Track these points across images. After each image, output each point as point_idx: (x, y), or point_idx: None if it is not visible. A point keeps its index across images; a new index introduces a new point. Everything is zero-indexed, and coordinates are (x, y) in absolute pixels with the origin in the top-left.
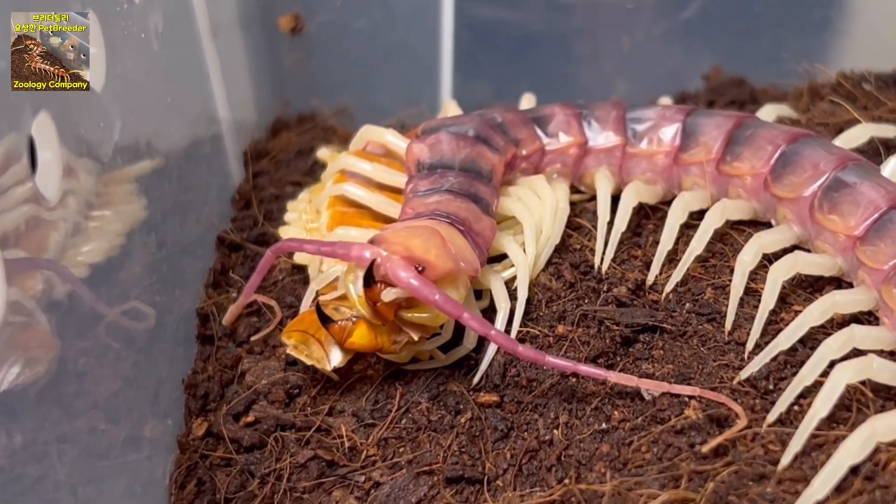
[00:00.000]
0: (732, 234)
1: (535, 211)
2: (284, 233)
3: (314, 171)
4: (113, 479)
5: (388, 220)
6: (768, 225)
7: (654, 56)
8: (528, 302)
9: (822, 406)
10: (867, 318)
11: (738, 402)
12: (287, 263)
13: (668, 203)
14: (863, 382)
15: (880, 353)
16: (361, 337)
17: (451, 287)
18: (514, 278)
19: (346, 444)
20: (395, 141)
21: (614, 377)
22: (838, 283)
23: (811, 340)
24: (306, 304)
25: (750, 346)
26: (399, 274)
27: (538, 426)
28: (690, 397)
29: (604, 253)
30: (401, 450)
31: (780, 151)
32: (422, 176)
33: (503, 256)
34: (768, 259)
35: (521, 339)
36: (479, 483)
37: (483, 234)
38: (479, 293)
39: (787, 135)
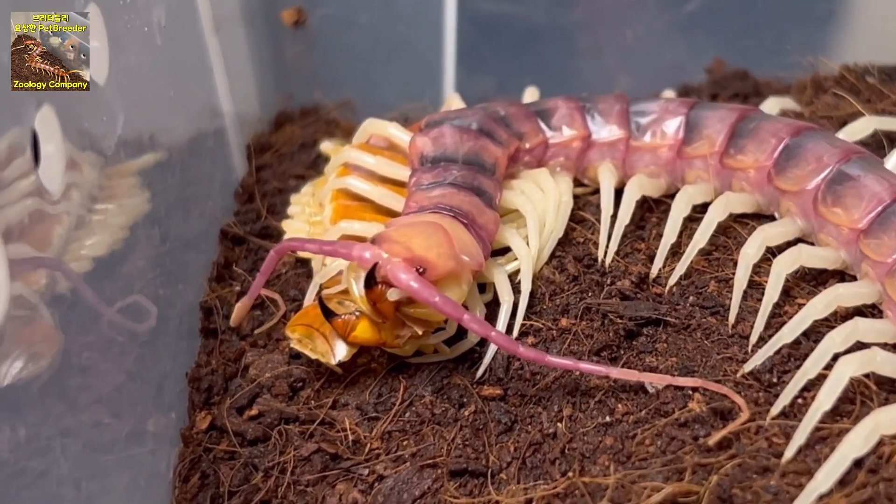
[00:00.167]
0: (736, 228)
1: (539, 204)
2: (288, 226)
3: (317, 165)
4: (117, 473)
5: (391, 213)
6: (772, 218)
7: (657, 49)
8: (532, 295)
9: (825, 399)
10: (871, 311)
11: (742, 396)
12: (291, 257)
13: (672, 196)
14: (866, 375)
15: (884, 345)
16: (365, 331)
17: (454, 283)
18: (517, 272)
19: (350, 438)
20: (399, 134)
21: (616, 373)
22: (842, 276)
23: (815, 333)
24: (310, 298)
25: (753, 339)
26: (399, 276)
27: (542, 419)
28: (694, 390)
29: (607, 246)
30: (404, 443)
31: (784, 144)
32: (425, 169)
33: (507, 250)
34: (772, 252)
35: (524, 333)
36: (483, 476)
37: (487, 227)
38: (483, 286)
39: (791, 128)
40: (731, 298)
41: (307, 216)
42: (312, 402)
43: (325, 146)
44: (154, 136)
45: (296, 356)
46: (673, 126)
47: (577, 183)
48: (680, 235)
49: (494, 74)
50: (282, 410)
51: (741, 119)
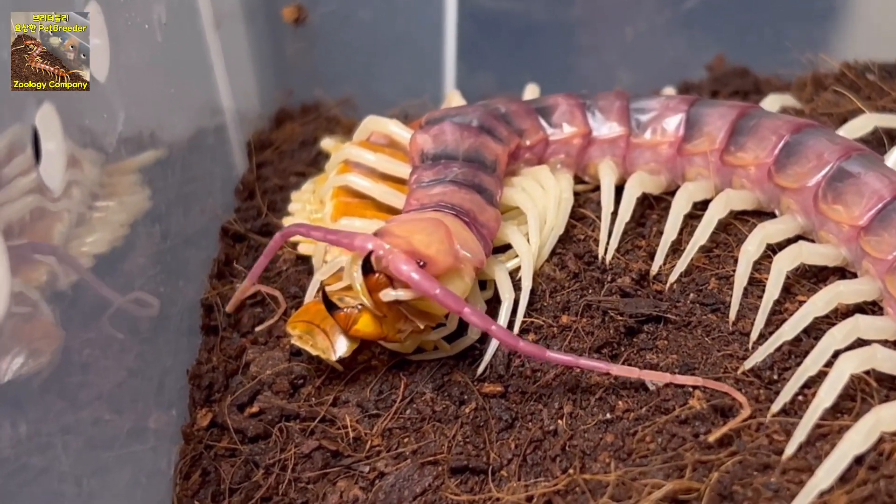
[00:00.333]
0: (736, 225)
1: (539, 201)
2: (288, 223)
3: (318, 162)
4: (117, 470)
5: (392, 210)
6: (772, 215)
7: (658, 46)
8: (533, 292)
9: (826, 396)
10: (871, 308)
11: (743, 393)
12: (291, 254)
13: (672, 193)
14: (867, 372)
15: (884, 342)
16: (366, 325)
17: (456, 279)
18: (518, 269)
19: (351, 435)
20: (399, 131)
21: (616, 370)
22: (842, 273)
23: (815, 330)
24: (311, 295)
25: (754, 336)
26: (400, 267)
27: (542, 416)
28: (694, 388)
29: (608, 243)
30: (405, 440)
31: (784, 141)
32: (426, 166)
33: (507, 247)
34: (772, 249)
35: (525, 330)
36: (484, 473)
37: (488, 225)
38: (484, 283)
39: (791, 125)
40: (731, 295)
41: (308, 213)
42: (313, 399)
43: (326, 143)
44: (155, 133)
45: (297, 353)
46: (673, 123)
47: (578, 180)
48: (680, 232)
49: (495, 71)
50: (283, 407)
51: (742, 116)
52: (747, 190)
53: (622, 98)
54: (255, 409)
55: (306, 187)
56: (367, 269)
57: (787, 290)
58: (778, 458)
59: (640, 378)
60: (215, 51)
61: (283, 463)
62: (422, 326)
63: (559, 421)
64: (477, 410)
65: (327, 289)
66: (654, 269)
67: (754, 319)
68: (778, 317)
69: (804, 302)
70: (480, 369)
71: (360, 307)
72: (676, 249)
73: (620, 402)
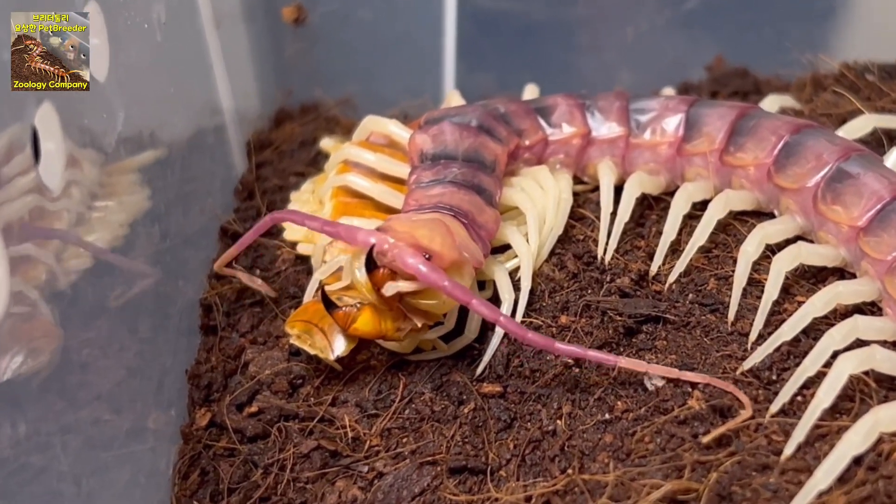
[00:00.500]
0: (735, 225)
1: (539, 201)
2: (288, 222)
3: (317, 162)
4: (116, 470)
5: (391, 210)
6: (771, 215)
7: (658, 46)
8: (532, 292)
9: (825, 396)
10: (870, 308)
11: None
12: (290, 254)
13: (671, 194)
14: (866, 373)
15: (883, 343)
16: (365, 323)
17: (457, 274)
18: (517, 269)
19: (350, 435)
20: (399, 131)
21: (624, 362)
22: (841, 273)
23: (814, 331)
24: (310, 294)
25: (753, 336)
26: (407, 260)
27: (541, 416)
28: (693, 387)
29: (607, 243)
30: (404, 440)
31: (784, 142)
32: (425, 167)
33: (507, 247)
34: (771, 250)
35: None
36: (483, 473)
37: (486, 226)
38: (483, 284)
39: (791, 125)
40: (730, 296)
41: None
42: (312, 399)
43: (325, 143)
44: (154, 133)
45: (295, 353)
46: (673, 123)
47: (577, 180)
48: (679, 233)
49: (494, 71)
50: (281, 407)
51: (741, 117)
52: (746, 190)
53: (621, 98)
54: (253, 408)
55: (306, 187)
56: (370, 264)
57: (786, 290)
58: (777, 458)
59: (646, 371)
60: (215, 50)
61: (282, 463)
62: (420, 325)
63: (558, 421)
64: (476, 410)
65: (326, 288)
66: (654, 269)
67: (753, 320)
68: (777, 317)
69: (803, 302)
70: (479, 369)
71: (358, 305)
72: (675, 250)
73: (619, 403)
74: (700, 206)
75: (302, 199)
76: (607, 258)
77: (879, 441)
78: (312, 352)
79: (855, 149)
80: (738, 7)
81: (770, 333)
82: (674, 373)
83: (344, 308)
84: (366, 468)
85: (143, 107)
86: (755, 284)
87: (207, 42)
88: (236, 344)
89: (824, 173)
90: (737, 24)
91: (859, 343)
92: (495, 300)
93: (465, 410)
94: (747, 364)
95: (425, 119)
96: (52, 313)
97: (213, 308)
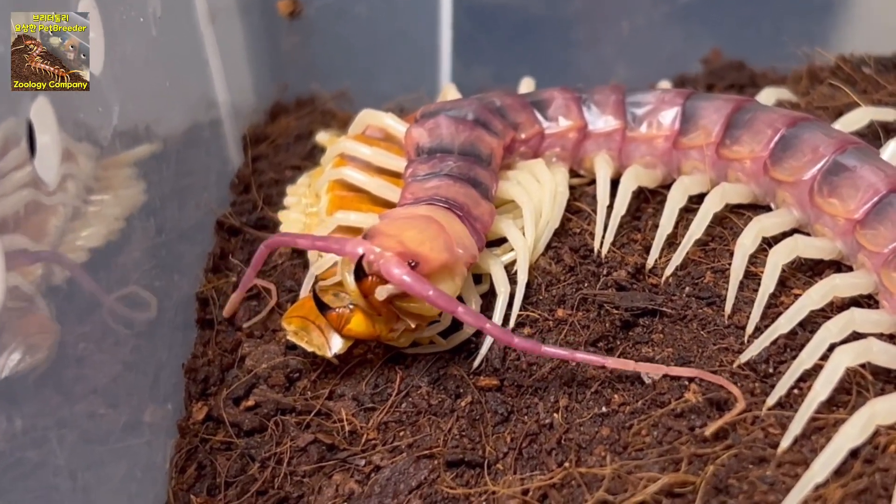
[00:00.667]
0: (732, 218)
1: (535, 195)
2: (284, 217)
3: (313, 156)
4: (113, 464)
5: (387, 203)
6: (768, 209)
7: (654, 40)
8: (528, 286)
9: (821, 389)
10: (867, 301)
11: (738, 386)
12: (286, 248)
13: (668, 187)
14: (862, 365)
15: (880, 336)
16: (359, 325)
17: (447, 276)
18: (513, 262)
19: (347, 428)
20: (395, 125)
21: (612, 363)
22: (838, 266)
23: (811, 324)
24: (306, 289)
25: (750, 329)
26: (392, 271)
27: (538, 410)
28: (690, 381)
29: (603, 237)
30: (401, 434)
31: (780, 135)
32: (421, 160)
33: (503, 240)
34: (768, 243)
35: (520, 323)
36: (480, 466)
37: (482, 219)
38: (479, 277)
39: (787, 118)
40: (727, 289)
41: (303, 207)
42: (309, 392)
43: (321, 137)
44: (150, 126)
45: (292, 347)
46: (669, 116)
47: (574, 173)
48: (676, 226)
49: (491, 65)
50: (278, 401)
51: (737, 110)
52: (743, 183)
53: (618, 92)
54: (250, 402)
55: (302, 181)
56: (359, 272)
57: (783, 283)
58: (773, 451)
59: (636, 371)
60: (210, 44)
61: (279, 456)
62: (413, 326)
63: (555, 414)
64: (473, 404)
65: (320, 285)
66: (650, 262)
67: (750, 313)
68: (773, 310)
69: (800, 295)
70: (476, 363)
71: (351, 307)
72: (672, 243)
73: (616, 396)
74: (696, 200)
75: (298, 192)
76: (604, 251)
77: (876, 434)
78: (309, 348)
79: (851, 141)
80: (735, 0)
81: (767, 326)
82: (663, 369)
83: (337, 310)
84: (363, 462)
85: (139, 101)
86: (752, 277)
87: (203, 36)
88: (233, 338)
89: (821, 166)
90: (733, 17)
91: (856, 336)
92: (492, 293)
93: (462, 404)
94: (744, 357)
95: (421, 113)
96: (49, 308)
97: (210, 302)
